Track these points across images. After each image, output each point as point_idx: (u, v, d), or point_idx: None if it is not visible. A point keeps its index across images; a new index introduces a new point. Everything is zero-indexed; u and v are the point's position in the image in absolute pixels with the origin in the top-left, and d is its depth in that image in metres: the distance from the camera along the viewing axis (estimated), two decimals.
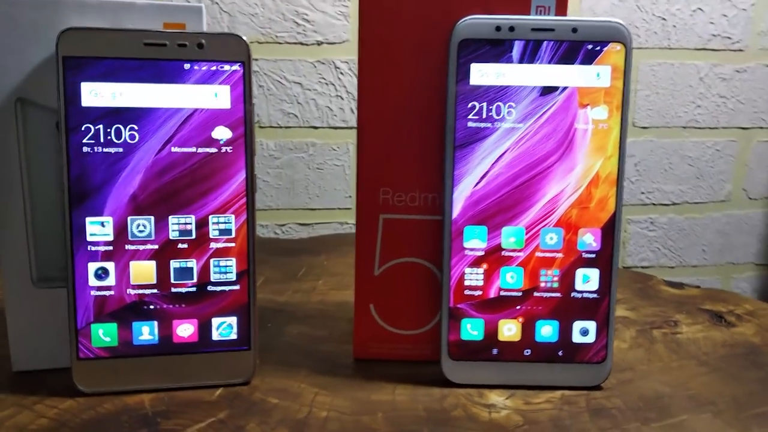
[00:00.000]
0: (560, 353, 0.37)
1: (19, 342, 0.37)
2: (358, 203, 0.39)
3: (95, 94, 0.34)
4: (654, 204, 0.86)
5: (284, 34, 0.74)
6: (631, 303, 0.52)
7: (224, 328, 0.37)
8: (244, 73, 0.36)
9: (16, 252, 0.36)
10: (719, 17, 0.83)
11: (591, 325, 0.37)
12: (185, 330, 0.36)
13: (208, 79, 0.35)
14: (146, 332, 0.36)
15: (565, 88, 0.36)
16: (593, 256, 0.37)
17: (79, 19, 0.35)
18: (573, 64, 0.35)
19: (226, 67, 0.35)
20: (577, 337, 0.37)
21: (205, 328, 0.37)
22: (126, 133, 0.35)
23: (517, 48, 0.35)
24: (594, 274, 0.37)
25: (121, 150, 0.35)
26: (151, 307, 0.36)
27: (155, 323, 0.36)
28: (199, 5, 0.36)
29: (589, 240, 0.37)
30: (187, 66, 0.35)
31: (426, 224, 0.38)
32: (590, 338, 0.37)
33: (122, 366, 0.36)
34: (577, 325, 0.37)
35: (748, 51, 0.85)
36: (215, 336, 0.37)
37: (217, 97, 0.35)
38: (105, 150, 0.34)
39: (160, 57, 0.35)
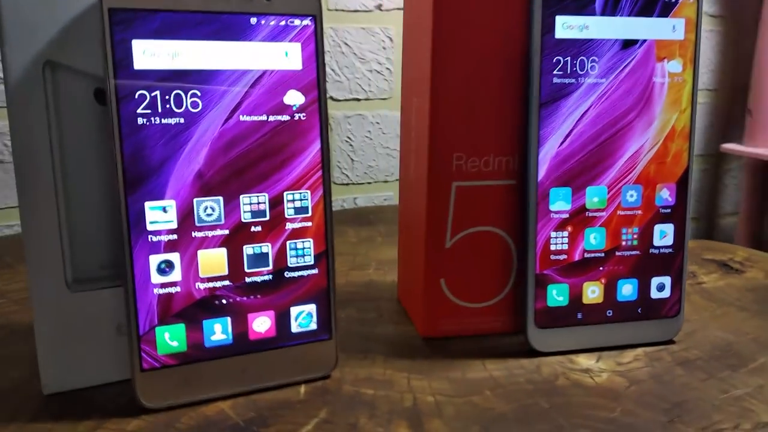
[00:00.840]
0: (639, 311, 0.37)
1: (51, 358, 0.31)
2: (430, 173, 0.36)
3: (150, 54, 0.28)
4: None
5: None
6: None
7: (303, 317, 0.33)
8: (316, 28, 0.31)
9: (45, 250, 0.30)
10: None
11: (666, 281, 0.37)
12: (262, 324, 0.32)
13: (278, 35, 0.31)
14: (219, 331, 0.31)
15: (644, 41, 0.35)
16: (669, 211, 0.37)
17: None
18: (651, 16, 0.35)
19: (296, 22, 0.31)
20: (654, 293, 0.37)
21: (283, 320, 0.32)
22: (188, 101, 0.29)
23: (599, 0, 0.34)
24: (669, 229, 0.37)
25: (182, 120, 0.29)
26: (224, 301, 0.31)
27: (229, 320, 0.31)
28: None
29: (665, 195, 0.37)
30: (253, 20, 0.30)
31: (499, 190, 0.36)
32: (666, 293, 0.38)
33: (194, 373, 0.31)
34: (655, 281, 0.37)
35: None
36: (294, 328, 0.33)
37: (287, 56, 0.31)
38: (164, 121, 0.29)
39: (224, 10, 0.30)
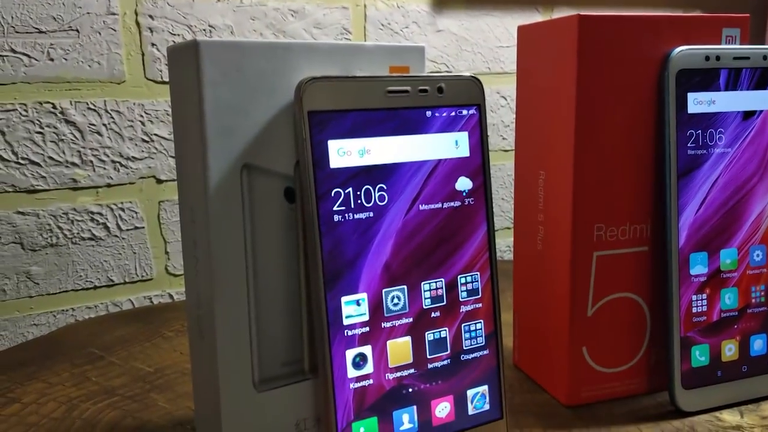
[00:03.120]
0: None
1: None
2: (573, 242, 0.37)
3: (343, 152, 0.29)
4: None
5: None
6: None
7: (478, 399, 0.33)
8: (480, 117, 0.33)
9: (236, 351, 0.30)
10: None
11: None
12: (443, 410, 0.32)
13: (448, 126, 0.32)
14: (406, 420, 0.31)
15: (761, 112, 0.37)
16: None
17: (310, 67, 0.30)
18: (765, 89, 0.37)
19: (464, 112, 0.32)
20: None
21: (460, 403, 0.33)
22: (375, 194, 0.30)
23: (722, 76, 0.36)
24: None
25: (371, 214, 0.30)
26: (410, 390, 0.31)
27: (414, 408, 0.31)
28: (421, 45, 0.33)
29: None
30: (428, 114, 0.31)
31: (635, 256, 0.38)
32: None
33: None
34: None
35: None
36: (471, 410, 0.33)
37: (457, 145, 0.32)
38: (356, 216, 0.29)
39: (404, 106, 0.31)
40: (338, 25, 0.71)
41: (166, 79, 0.64)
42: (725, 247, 0.38)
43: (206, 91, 0.27)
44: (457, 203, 0.32)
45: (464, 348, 0.33)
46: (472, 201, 0.33)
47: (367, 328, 0.30)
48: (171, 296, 0.67)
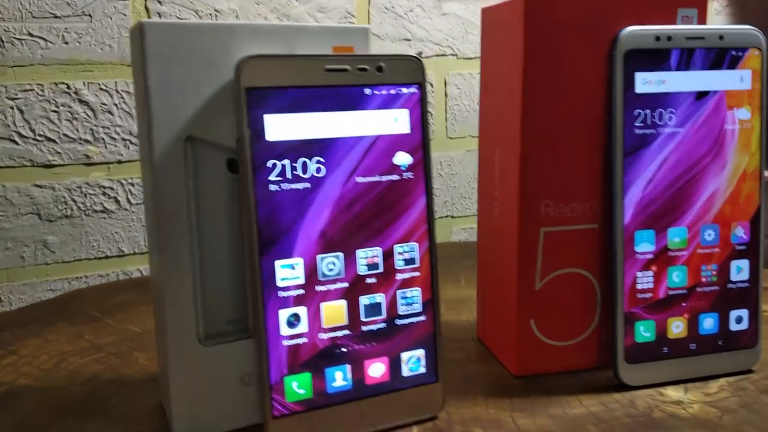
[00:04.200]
0: (720, 343, 0.39)
1: (183, 408, 0.33)
2: (520, 219, 0.38)
3: (280, 126, 0.31)
4: None
5: None
6: None
7: (413, 362, 0.35)
8: (421, 95, 0.34)
9: (182, 308, 0.32)
10: None
11: (744, 313, 0.40)
12: (377, 370, 0.34)
13: (388, 103, 0.33)
14: (339, 378, 0.33)
15: (716, 92, 0.38)
16: (744, 247, 0.39)
17: (250, 46, 0.32)
18: (721, 69, 0.38)
19: (404, 90, 0.34)
20: (733, 326, 0.39)
21: (395, 365, 0.35)
22: (313, 167, 0.32)
23: (674, 56, 0.37)
24: (745, 264, 0.39)
25: (308, 185, 0.32)
26: (344, 349, 0.33)
27: (348, 367, 0.34)
28: (365, 27, 0.34)
29: (740, 233, 0.39)
30: (368, 91, 0.33)
31: (584, 233, 0.39)
32: (744, 325, 0.40)
33: (318, 418, 0.33)
34: (733, 314, 0.39)
35: None
36: (405, 372, 0.35)
37: (397, 121, 0.34)
38: (292, 186, 0.32)
39: (342, 83, 0.32)
40: (342, 9, 0.73)
41: None
42: (674, 225, 0.38)
43: (150, 69, 0.30)
44: (396, 177, 0.34)
45: (400, 313, 0.35)
46: (411, 175, 0.34)
47: (302, 291, 0.32)
48: None
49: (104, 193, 0.67)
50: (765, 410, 0.36)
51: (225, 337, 0.34)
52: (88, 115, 0.65)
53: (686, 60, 0.37)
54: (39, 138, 0.64)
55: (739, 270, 0.39)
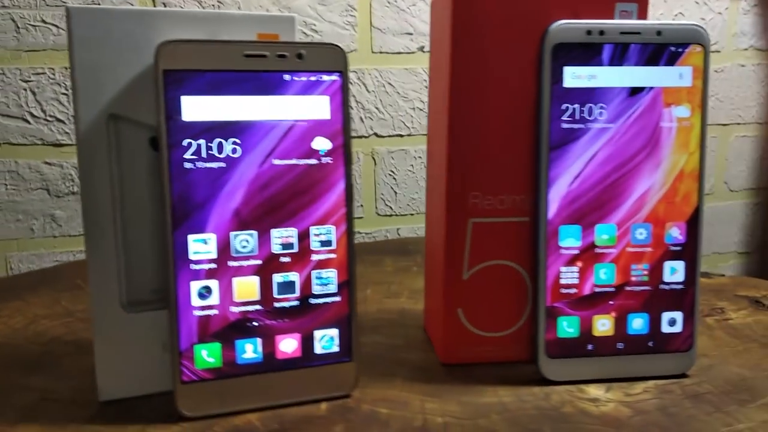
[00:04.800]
0: (651, 344, 0.39)
1: (107, 370, 0.35)
2: (448, 209, 0.39)
3: (196, 108, 0.33)
4: None
5: None
6: None
7: (326, 340, 0.36)
8: (343, 82, 0.35)
9: (105, 277, 0.35)
10: (698, 21, 0.88)
11: (678, 316, 0.39)
12: (288, 345, 0.36)
13: (308, 89, 0.35)
14: (250, 350, 0.35)
15: (651, 89, 0.37)
16: (679, 248, 0.38)
17: (174, 31, 0.34)
18: (658, 65, 0.37)
19: (325, 78, 0.35)
20: (665, 328, 0.39)
21: (307, 342, 0.36)
22: (228, 147, 0.34)
23: (606, 51, 0.36)
24: (680, 266, 0.38)
25: (223, 165, 0.34)
26: (255, 324, 0.35)
27: (259, 340, 0.35)
28: (292, 15, 0.36)
29: (675, 233, 0.38)
30: (287, 77, 0.34)
31: (514, 226, 0.39)
32: (678, 328, 0.39)
33: (227, 387, 0.35)
34: (666, 316, 0.39)
35: (724, 52, 0.90)
36: (318, 349, 0.36)
37: (316, 107, 0.35)
38: (207, 165, 0.33)
39: (261, 69, 0.34)
40: (344, 3, 0.74)
41: None
42: (602, 222, 0.38)
43: (76, 50, 0.32)
44: (314, 161, 0.35)
45: (314, 293, 0.36)
46: (330, 160, 0.35)
47: (214, 265, 0.34)
48: None
49: None
50: (681, 414, 0.35)
51: (148, 305, 0.36)
52: None
53: (620, 55, 0.37)
54: (49, 118, 0.68)
55: (674, 271, 0.38)
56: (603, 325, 0.38)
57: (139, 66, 0.33)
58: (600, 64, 0.37)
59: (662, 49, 0.37)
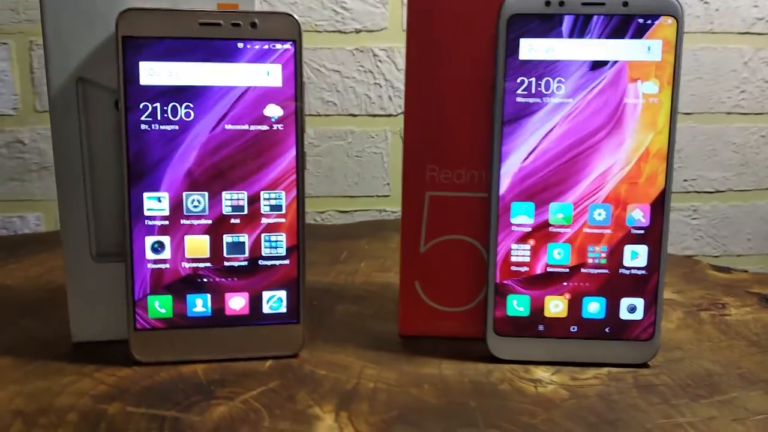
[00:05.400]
0: (607, 330, 0.37)
1: (78, 314, 0.39)
2: (404, 181, 0.39)
3: (153, 73, 0.35)
4: (697, 191, 0.85)
5: (323, 22, 0.75)
6: (677, 286, 0.52)
7: (274, 301, 0.38)
8: (296, 51, 0.36)
9: (76, 229, 0.38)
10: (763, 0, 0.81)
11: (639, 302, 0.37)
12: (237, 303, 0.37)
13: (261, 57, 0.36)
14: (200, 305, 0.37)
15: (615, 63, 0.35)
16: (642, 232, 0.37)
17: (137, 1, 0.36)
18: (623, 38, 0.35)
19: (278, 46, 0.36)
20: (624, 314, 0.37)
21: (255, 302, 0.38)
22: (182, 111, 0.36)
23: (566, 22, 0.35)
24: (642, 250, 0.37)
25: (177, 128, 0.36)
26: (205, 280, 0.37)
27: (208, 296, 0.37)
28: None
29: (638, 216, 0.36)
30: (240, 45, 0.36)
31: (472, 201, 0.39)
32: (638, 315, 0.37)
33: (177, 337, 0.37)
34: (625, 302, 0.37)
35: None
36: (265, 309, 0.38)
37: (269, 75, 0.36)
38: (162, 127, 0.36)
39: (215, 36, 0.35)
40: None
41: None
42: (557, 200, 0.37)
43: (47, 17, 0.35)
44: (265, 127, 0.36)
45: (263, 255, 0.37)
46: (281, 127, 0.37)
47: (167, 222, 0.36)
48: None
49: None
50: (621, 402, 0.34)
51: (115, 256, 0.39)
52: None
53: (581, 27, 0.35)
54: None
55: (635, 255, 0.37)
56: (556, 306, 0.37)
57: (105, 33, 0.36)
58: (559, 36, 0.35)
59: (629, 21, 0.35)
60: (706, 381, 0.36)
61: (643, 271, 0.37)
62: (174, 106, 0.36)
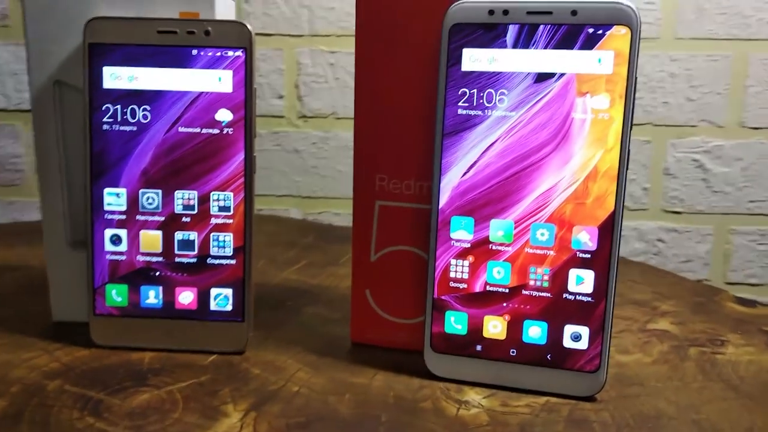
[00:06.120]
0: (549, 357, 0.35)
1: (57, 296, 0.42)
2: (355, 189, 0.39)
3: (115, 77, 0.38)
4: (764, 214, 0.77)
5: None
6: (680, 317, 0.47)
7: (221, 299, 0.39)
8: (246, 58, 0.37)
9: (54, 219, 0.41)
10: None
11: (584, 331, 0.35)
12: (186, 297, 0.39)
13: (213, 64, 0.37)
14: (152, 296, 0.39)
15: (562, 75, 0.33)
16: (588, 256, 0.34)
17: (108, 9, 0.39)
18: (572, 49, 0.33)
19: (230, 53, 0.37)
20: (567, 342, 0.35)
21: (203, 298, 0.39)
22: (140, 113, 0.38)
23: (511, 32, 0.34)
24: (589, 275, 0.34)
25: (135, 128, 0.38)
26: (157, 273, 0.39)
27: (160, 288, 0.39)
28: None
29: (584, 238, 0.34)
30: (194, 52, 0.37)
31: (421, 213, 0.38)
32: (582, 344, 0.35)
33: (131, 325, 0.39)
34: (569, 329, 0.35)
35: None
36: (212, 306, 0.39)
37: (220, 81, 0.38)
38: (122, 128, 0.38)
39: (172, 44, 0.37)
40: None
41: None
42: (498, 217, 0.35)
43: (28, 24, 0.39)
44: (216, 131, 0.38)
45: (211, 253, 0.39)
46: (231, 131, 0.38)
47: (124, 216, 0.39)
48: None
49: None
50: None
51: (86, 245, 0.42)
52: None
53: (526, 37, 0.33)
54: None
55: (580, 281, 0.34)
56: (494, 327, 0.36)
57: (79, 39, 0.39)
58: (503, 46, 0.34)
59: (578, 31, 0.33)
60: (649, 423, 0.33)
61: (589, 298, 0.34)
62: (133, 109, 0.38)
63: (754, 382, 0.38)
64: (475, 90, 0.34)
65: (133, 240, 0.39)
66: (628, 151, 0.33)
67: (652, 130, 0.77)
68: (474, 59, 0.34)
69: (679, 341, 0.43)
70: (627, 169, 0.33)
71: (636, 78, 0.33)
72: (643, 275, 0.57)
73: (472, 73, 0.34)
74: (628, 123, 0.33)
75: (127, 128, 0.38)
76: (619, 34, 0.32)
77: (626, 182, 0.33)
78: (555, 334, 0.35)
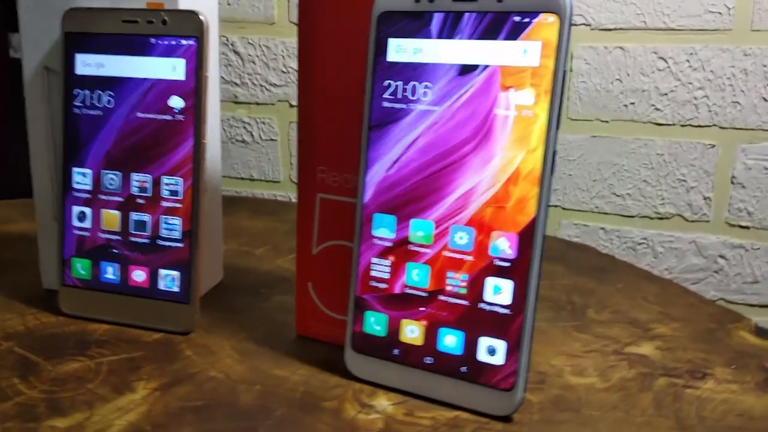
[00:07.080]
0: (464, 369, 0.33)
1: (45, 266, 0.46)
2: (299, 180, 0.39)
3: (86, 64, 0.40)
4: None
5: None
6: (674, 342, 0.42)
7: (169, 280, 0.41)
8: (198, 47, 0.38)
9: (44, 195, 0.45)
10: None
11: (500, 345, 0.32)
12: (139, 276, 0.41)
13: (168, 52, 0.39)
14: (110, 272, 0.42)
15: (485, 67, 0.31)
16: (507, 264, 0.32)
17: (87, 1, 0.41)
18: (496, 39, 0.31)
19: (183, 42, 0.38)
20: (482, 355, 0.33)
21: (153, 277, 0.41)
22: (105, 99, 0.40)
23: (436, 21, 0.32)
24: (507, 285, 0.32)
25: (101, 113, 0.40)
26: (115, 251, 0.41)
27: (117, 265, 0.41)
28: None
29: (503, 245, 0.32)
30: (153, 41, 0.39)
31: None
32: (498, 360, 0.32)
33: (92, 297, 0.42)
34: (484, 341, 0.32)
35: None
36: (161, 286, 0.41)
37: (174, 69, 0.39)
38: (90, 112, 0.40)
39: (134, 33, 0.39)
40: None
41: None
42: (418, 216, 0.33)
43: (21, 13, 0.42)
44: (168, 117, 0.39)
45: (161, 235, 0.40)
46: (182, 117, 0.39)
47: (89, 195, 0.41)
48: (290, 199, 0.84)
49: (244, 127, 0.83)
50: None
51: None
52: (238, 63, 0.82)
53: (451, 26, 0.31)
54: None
55: (498, 290, 0.32)
56: (411, 331, 0.34)
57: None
58: (428, 36, 0.32)
59: (504, 20, 0.30)
60: None
61: (507, 310, 0.32)
62: (99, 94, 0.40)
63: (715, 425, 0.33)
64: (400, 82, 0.33)
65: (96, 218, 0.41)
66: (554, 152, 0.30)
67: (718, 134, 0.69)
68: (400, 49, 0.33)
69: (652, 369, 0.39)
70: (552, 172, 0.30)
71: (565, 72, 0.30)
72: (661, 293, 0.52)
73: (397, 64, 0.33)
74: (554, 121, 0.30)
75: (95, 112, 0.40)
76: (546, 23, 0.30)
77: (551, 186, 0.30)
78: (470, 346, 0.33)
